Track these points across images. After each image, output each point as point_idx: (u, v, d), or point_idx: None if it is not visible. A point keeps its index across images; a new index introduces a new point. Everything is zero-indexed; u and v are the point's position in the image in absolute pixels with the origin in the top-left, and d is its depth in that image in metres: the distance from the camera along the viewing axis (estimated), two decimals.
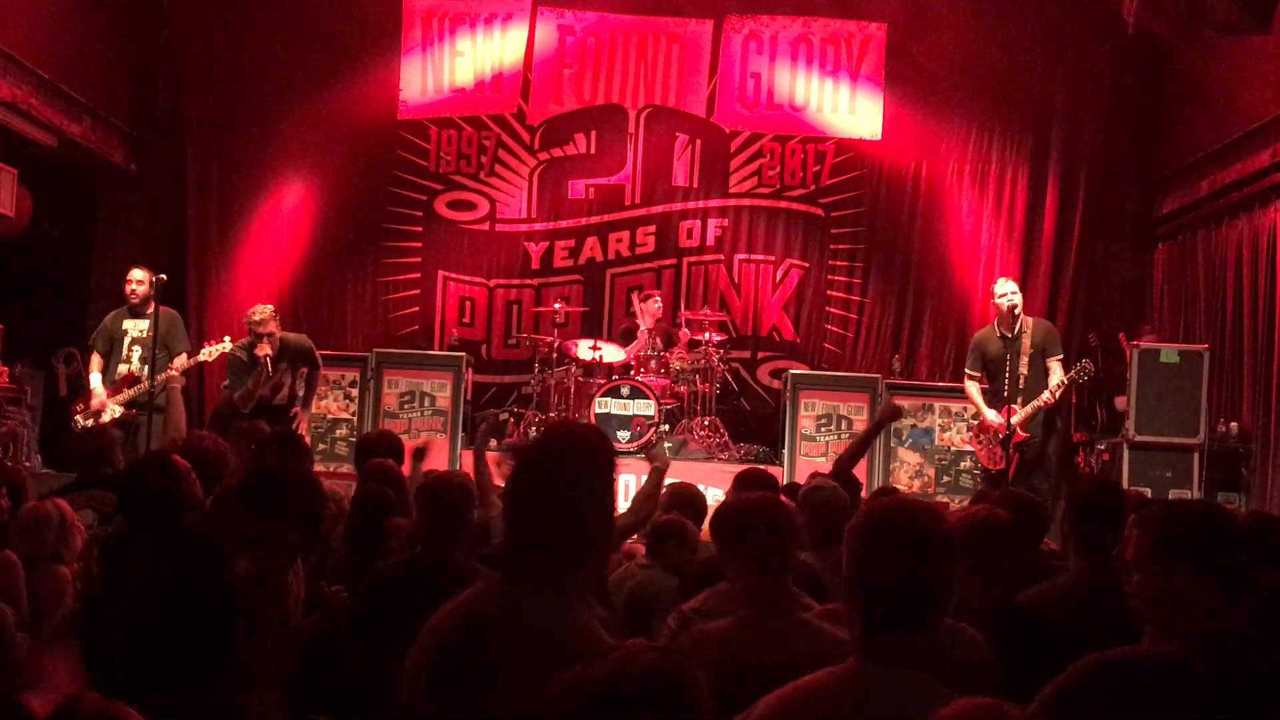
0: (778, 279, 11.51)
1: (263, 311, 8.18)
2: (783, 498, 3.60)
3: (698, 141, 11.51)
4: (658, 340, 10.16)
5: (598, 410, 9.61)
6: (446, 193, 11.50)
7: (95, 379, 8.51)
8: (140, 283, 8.53)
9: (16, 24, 8.93)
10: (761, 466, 6.80)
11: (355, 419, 10.04)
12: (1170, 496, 7.87)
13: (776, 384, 11.05)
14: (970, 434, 8.93)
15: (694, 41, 11.48)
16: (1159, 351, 9.04)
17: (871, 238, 11.38)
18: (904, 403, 9.79)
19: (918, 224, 11.30)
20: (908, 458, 10.01)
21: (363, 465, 5.49)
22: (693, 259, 11.51)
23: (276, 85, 11.23)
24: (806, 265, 11.47)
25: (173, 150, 11.24)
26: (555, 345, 10.13)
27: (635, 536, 5.10)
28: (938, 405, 10.03)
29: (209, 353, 8.32)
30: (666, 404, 9.92)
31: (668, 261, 11.49)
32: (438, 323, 11.46)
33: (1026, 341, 8.26)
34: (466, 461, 7.61)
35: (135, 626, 2.47)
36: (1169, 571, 2.46)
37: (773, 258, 11.49)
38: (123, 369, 8.49)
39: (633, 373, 9.93)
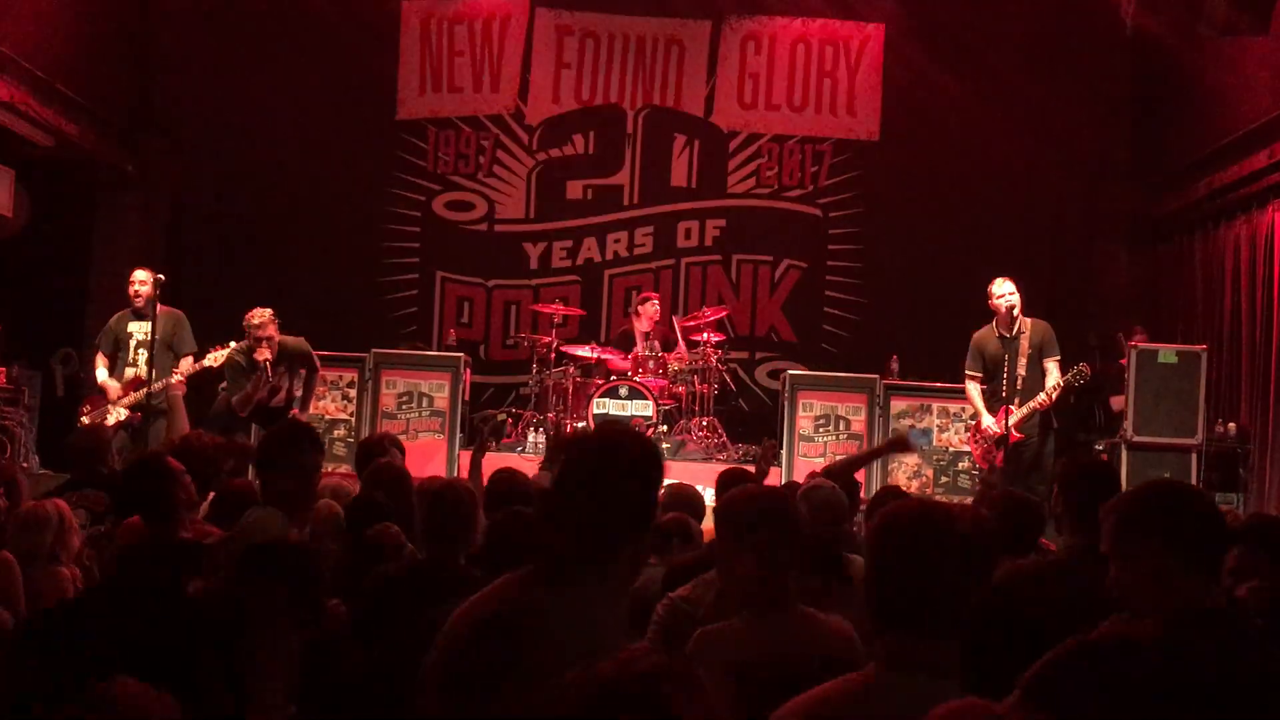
0: (776, 279, 11.51)
1: (261, 315, 8.03)
2: None
3: (696, 142, 11.51)
4: (655, 343, 10.15)
5: (596, 411, 9.59)
6: (444, 193, 11.50)
7: (102, 373, 8.40)
8: (144, 283, 8.34)
9: (14, 25, 8.93)
10: (744, 467, 6.78)
11: (353, 419, 10.01)
12: None
13: (775, 384, 11.05)
14: (968, 434, 8.92)
15: (692, 42, 11.48)
16: (1157, 352, 9.03)
17: (869, 238, 11.38)
18: (902, 403, 9.80)
19: (916, 224, 11.30)
20: (906, 458, 9.98)
21: (365, 467, 5.46)
22: (691, 259, 11.50)
23: (274, 85, 11.21)
24: (804, 265, 11.47)
25: (170, 150, 11.23)
26: (553, 345, 10.12)
27: None
28: (935, 406, 10.01)
29: (214, 358, 8.14)
30: (665, 404, 9.90)
31: (666, 262, 11.49)
32: (436, 323, 11.45)
33: (1025, 342, 8.23)
34: (464, 462, 7.61)
35: (129, 627, 2.45)
36: (1138, 554, 2.47)
37: (771, 258, 11.48)
38: (129, 372, 8.37)
39: (631, 374, 9.92)
